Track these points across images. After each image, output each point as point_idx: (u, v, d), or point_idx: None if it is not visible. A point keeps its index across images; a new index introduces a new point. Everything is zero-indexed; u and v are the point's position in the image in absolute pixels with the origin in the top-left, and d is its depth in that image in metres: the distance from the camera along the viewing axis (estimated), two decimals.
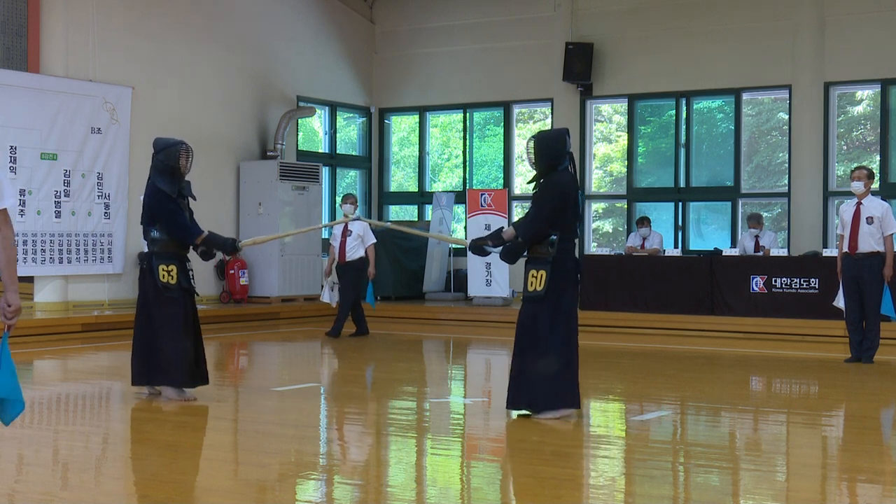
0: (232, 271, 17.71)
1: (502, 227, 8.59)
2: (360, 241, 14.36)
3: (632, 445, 7.49)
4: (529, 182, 8.37)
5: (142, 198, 9.17)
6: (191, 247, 9.02)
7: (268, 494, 5.99)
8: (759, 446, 7.66)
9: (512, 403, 8.00)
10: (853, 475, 6.50)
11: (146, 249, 8.95)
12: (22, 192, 15.03)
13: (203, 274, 17.51)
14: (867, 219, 11.49)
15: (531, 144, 8.08)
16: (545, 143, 8.08)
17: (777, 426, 8.51)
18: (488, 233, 8.97)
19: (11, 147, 14.93)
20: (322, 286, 15.25)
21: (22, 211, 14.98)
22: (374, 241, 14.61)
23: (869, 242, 11.48)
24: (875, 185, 13.94)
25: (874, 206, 11.56)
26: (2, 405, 4.65)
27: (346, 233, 14.31)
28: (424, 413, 8.95)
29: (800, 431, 8.33)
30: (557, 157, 8.01)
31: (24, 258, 14.97)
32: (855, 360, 11.75)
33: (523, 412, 8.05)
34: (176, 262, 8.83)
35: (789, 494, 6.06)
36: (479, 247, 8.43)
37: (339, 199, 21.13)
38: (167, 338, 8.73)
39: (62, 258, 15.30)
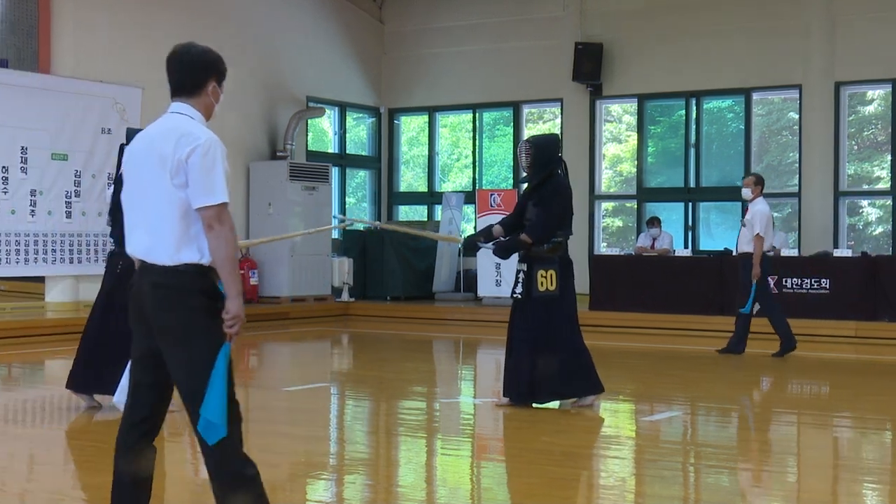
0: (242, 271, 17.68)
1: (492, 225, 8.76)
2: None
3: (642, 446, 7.48)
4: (522, 181, 8.79)
5: (109, 193, 8.45)
6: None
7: (278, 494, 5.99)
8: (769, 447, 7.64)
9: (533, 397, 8.30)
10: (864, 475, 6.48)
11: (113, 248, 8.35)
12: (32, 193, 15.07)
13: None
14: (742, 222, 12.43)
15: (528, 148, 8.38)
16: (544, 147, 8.50)
17: (787, 426, 8.50)
18: (479, 230, 9.19)
19: (22, 147, 14.96)
20: None
21: (33, 211, 15.02)
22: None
23: (741, 243, 12.36)
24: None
25: (751, 210, 12.32)
26: (208, 426, 4.15)
27: None
28: (434, 413, 8.96)
29: (810, 432, 8.31)
30: (555, 161, 8.43)
31: (35, 258, 15.02)
32: (727, 352, 12.54)
33: (544, 404, 8.31)
34: None
35: (800, 495, 6.05)
36: (472, 243, 8.82)
37: (349, 199, 21.15)
38: None
39: (73, 258, 15.32)
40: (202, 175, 4.14)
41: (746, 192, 12.42)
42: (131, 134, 8.28)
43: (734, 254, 13.56)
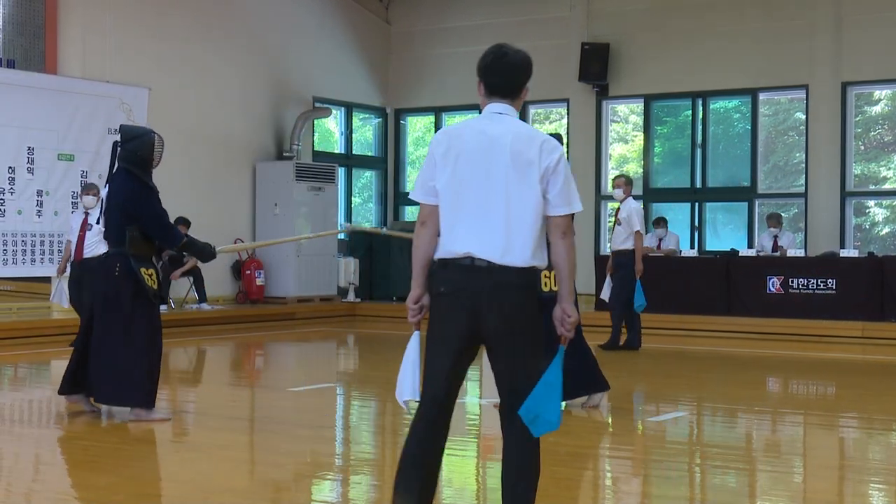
0: (248, 272, 17.74)
1: None
2: (100, 237, 13.08)
3: (648, 446, 7.47)
4: None
5: (104, 193, 8.10)
6: (159, 251, 8.21)
7: (284, 494, 6.00)
8: (775, 447, 7.63)
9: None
10: (870, 476, 6.47)
11: (105, 250, 8.00)
12: (39, 193, 15.10)
13: (220, 274, 17.56)
14: (618, 221, 12.74)
15: None
16: None
17: (794, 427, 8.48)
18: None
19: (29, 148, 14.99)
20: (55, 285, 13.13)
21: (39, 212, 15.05)
22: None
23: (616, 241, 12.72)
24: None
25: (624, 208, 12.67)
26: (536, 420, 4.25)
27: (85, 227, 12.39)
28: None
29: (817, 432, 8.30)
30: None
31: (42, 258, 15.04)
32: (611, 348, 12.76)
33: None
34: (154, 266, 7.94)
35: (806, 496, 6.04)
36: None
37: (355, 200, 21.14)
38: (153, 353, 7.79)
39: None
40: (564, 184, 4.27)
41: (618, 193, 12.76)
42: (125, 130, 8.04)
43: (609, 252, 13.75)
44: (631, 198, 12.81)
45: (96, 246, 12.20)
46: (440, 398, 4.35)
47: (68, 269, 12.73)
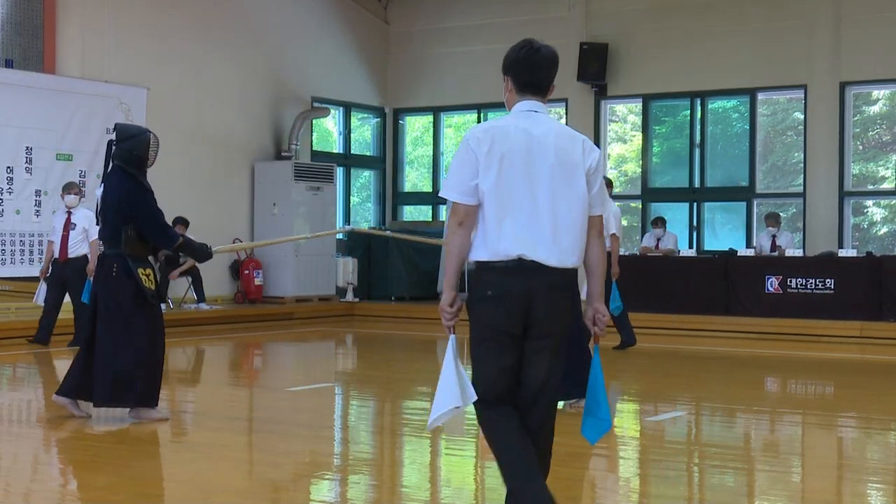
0: (247, 271, 17.74)
1: None
2: (84, 236, 12.42)
3: (647, 446, 7.48)
4: None
5: (99, 192, 7.96)
6: (154, 251, 8.08)
7: (282, 494, 6.00)
8: (774, 447, 7.64)
9: None
10: (868, 476, 6.47)
11: (87, 250, 7.77)
12: (37, 193, 15.10)
13: (218, 274, 17.56)
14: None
15: None
16: None
17: (792, 427, 8.49)
18: None
19: (27, 148, 14.99)
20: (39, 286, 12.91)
21: (38, 211, 15.04)
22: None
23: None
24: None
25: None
26: (593, 423, 4.35)
27: (69, 226, 12.43)
28: None
29: (815, 432, 8.30)
30: None
31: (40, 259, 15.01)
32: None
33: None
34: (151, 266, 7.86)
35: (805, 496, 6.04)
36: None
37: (353, 199, 21.13)
38: (155, 352, 7.75)
39: None
40: (600, 185, 4.27)
41: None
42: (120, 129, 7.95)
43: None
44: (610, 199, 12.60)
45: (80, 245, 12.36)
46: (505, 397, 4.30)
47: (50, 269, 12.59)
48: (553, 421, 4.44)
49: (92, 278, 11.95)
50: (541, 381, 4.30)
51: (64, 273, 12.40)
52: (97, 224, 8.10)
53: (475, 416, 4.41)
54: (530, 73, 4.28)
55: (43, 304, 12.64)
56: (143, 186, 7.75)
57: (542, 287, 4.16)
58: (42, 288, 12.68)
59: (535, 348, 4.26)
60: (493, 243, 4.18)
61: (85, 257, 12.40)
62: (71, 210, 12.46)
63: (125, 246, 7.65)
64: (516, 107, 4.31)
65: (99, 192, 7.91)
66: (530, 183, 4.15)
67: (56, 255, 12.46)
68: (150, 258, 8.04)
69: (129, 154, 7.74)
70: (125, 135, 7.85)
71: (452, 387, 4.23)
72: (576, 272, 4.27)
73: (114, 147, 7.83)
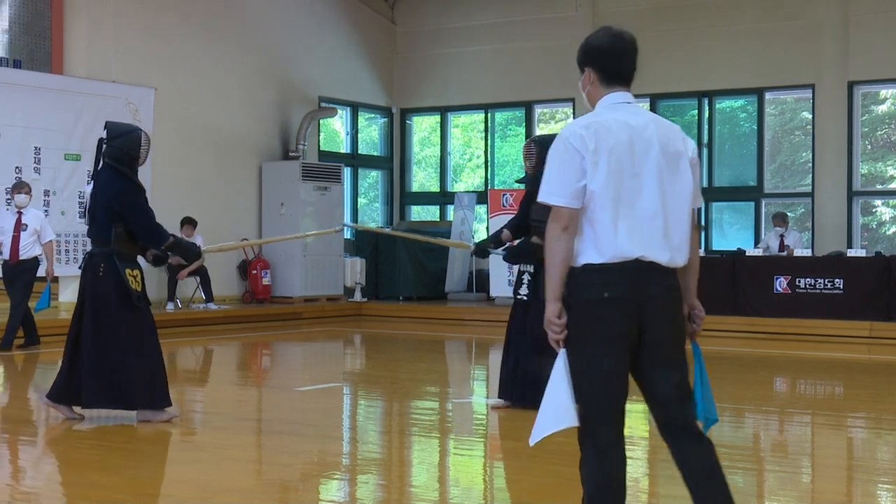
0: (255, 271, 17.74)
1: (500, 230, 8.71)
2: (36, 237, 12.27)
3: (655, 446, 7.45)
4: (518, 181, 8.71)
5: (88, 190, 7.85)
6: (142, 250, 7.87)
7: (291, 494, 5.99)
8: (783, 447, 7.61)
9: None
10: (879, 476, 6.45)
11: (39, 251, 7.53)
12: (46, 193, 15.12)
13: (226, 274, 17.57)
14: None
15: (533, 147, 8.32)
16: (550, 147, 8.36)
17: (801, 427, 8.46)
18: (489, 236, 9.12)
19: (35, 148, 15.01)
20: None
21: (46, 211, 15.04)
22: (53, 236, 12.73)
23: None
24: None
25: None
26: (707, 421, 4.23)
27: (20, 227, 12.16)
28: (447, 413, 8.95)
29: (825, 432, 8.28)
30: None
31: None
32: None
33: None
34: (139, 267, 7.72)
35: (814, 496, 6.02)
36: (482, 249, 8.71)
37: (361, 199, 21.13)
38: (147, 353, 7.60)
39: None
40: (699, 176, 4.06)
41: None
42: (111, 127, 7.82)
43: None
44: None
45: (31, 247, 12.18)
46: (621, 407, 4.08)
47: None
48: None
49: (50, 281, 12.11)
50: (670, 392, 4.12)
51: (13, 274, 12.19)
52: (87, 223, 7.96)
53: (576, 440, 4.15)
54: (617, 61, 4.01)
55: None
56: (135, 184, 7.64)
57: (659, 288, 3.91)
58: None
59: (655, 356, 4.01)
60: (609, 246, 3.87)
61: (36, 259, 12.26)
62: (21, 210, 12.22)
63: (114, 244, 7.54)
64: (605, 99, 4.06)
65: (88, 189, 7.81)
66: (638, 177, 3.89)
67: (6, 256, 12.17)
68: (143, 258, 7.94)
69: (120, 152, 7.64)
70: (116, 132, 7.73)
71: (565, 404, 3.97)
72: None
73: (104, 145, 7.72)
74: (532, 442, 4.06)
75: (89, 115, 15.49)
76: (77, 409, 7.78)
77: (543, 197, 3.97)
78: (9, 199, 12.80)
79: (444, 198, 21.19)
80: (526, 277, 8.34)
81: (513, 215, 8.88)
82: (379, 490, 6.10)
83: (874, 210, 18.34)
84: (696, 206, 4.04)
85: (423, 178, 21.97)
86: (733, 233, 18.99)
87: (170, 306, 15.75)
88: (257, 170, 18.52)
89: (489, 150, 20.74)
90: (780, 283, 15.32)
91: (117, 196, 7.52)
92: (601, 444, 4.08)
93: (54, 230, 15.10)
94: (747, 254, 16.03)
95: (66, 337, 7.78)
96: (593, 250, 3.89)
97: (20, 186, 12.36)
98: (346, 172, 20.03)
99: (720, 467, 4.18)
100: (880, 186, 18.13)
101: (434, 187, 21.59)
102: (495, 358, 13.77)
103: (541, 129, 20.30)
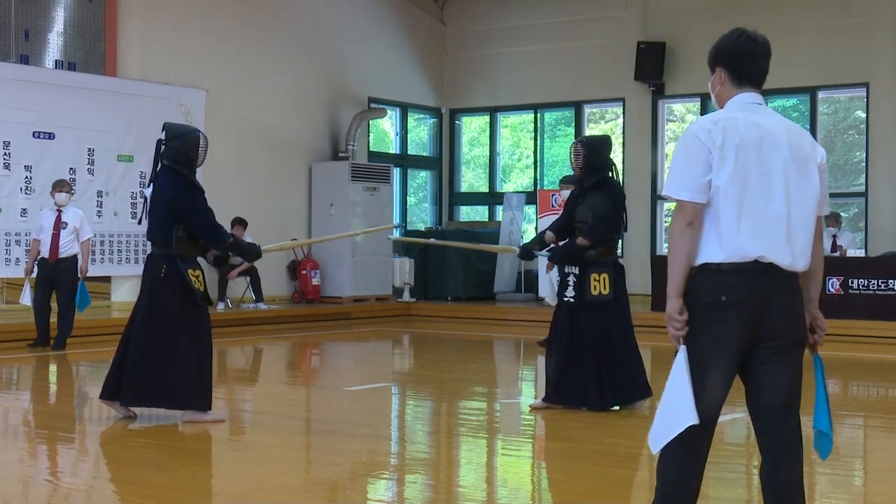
0: (304, 271, 17.84)
1: (544, 231, 8.73)
2: (75, 236, 12.33)
3: None
4: (568, 181, 8.75)
5: (147, 192, 7.85)
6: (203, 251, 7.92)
7: (339, 493, 6.02)
8: (835, 450, 7.51)
9: (600, 403, 8.19)
10: None
11: (77, 250, 7.46)
12: (99, 194, 15.31)
13: (276, 274, 17.69)
14: None
15: (581, 149, 8.35)
16: (598, 148, 8.47)
17: (854, 430, 8.36)
18: (533, 238, 9.12)
19: (89, 149, 15.21)
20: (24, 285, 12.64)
21: (99, 212, 15.25)
22: (91, 235, 12.71)
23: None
24: None
25: None
26: (819, 438, 4.20)
27: (59, 225, 12.21)
28: (495, 413, 8.94)
29: (878, 435, 8.18)
30: (608, 163, 8.46)
31: (101, 258, 15.24)
32: None
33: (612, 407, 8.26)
34: (199, 267, 7.77)
35: (867, 499, 5.95)
36: (527, 252, 8.75)
37: (410, 200, 21.16)
38: (200, 354, 7.62)
39: (138, 258, 15.51)
40: (826, 183, 4.00)
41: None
42: (169, 128, 7.84)
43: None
44: None
45: (70, 245, 12.21)
46: (715, 416, 3.99)
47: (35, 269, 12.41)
48: (801, 442, 4.21)
49: (83, 279, 12.19)
50: (783, 395, 4.07)
51: (53, 273, 12.23)
52: (143, 224, 8.01)
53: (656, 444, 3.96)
54: (749, 63, 4.00)
55: (31, 305, 12.38)
56: (194, 185, 7.69)
57: (778, 292, 3.84)
58: (27, 288, 12.42)
59: (770, 360, 3.95)
60: (731, 243, 3.81)
61: (75, 257, 12.29)
62: (61, 208, 12.30)
63: (176, 246, 7.56)
64: (735, 100, 4.02)
65: (148, 191, 7.84)
66: (765, 177, 3.83)
67: (45, 254, 12.21)
68: (206, 258, 8.01)
69: (178, 153, 7.66)
70: (174, 134, 7.76)
71: (686, 403, 3.83)
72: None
73: (163, 146, 7.75)
74: (655, 449, 3.94)
75: (142, 117, 15.66)
76: (133, 407, 7.84)
77: (668, 191, 3.91)
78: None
79: (492, 198, 21.17)
80: (571, 279, 8.31)
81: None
82: (427, 490, 6.11)
83: None
84: (823, 213, 3.98)
85: (472, 179, 21.98)
86: None
87: (220, 306, 15.87)
88: (307, 170, 18.61)
89: (538, 151, 20.70)
90: (833, 284, 15.14)
91: (177, 198, 7.55)
92: (692, 446, 3.96)
93: (107, 231, 15.32)
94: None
95: (122, 335, 7.80)
96: (715, 247, 3.84)
97: (60, 185, 12.38)
98: (396, 173, 20.07)
99: (804, 491, 4.18)
100: None
101: (483, 188, 21.58)
102: (543, 359, 13.74)
103: (590, 130, 20.23)
